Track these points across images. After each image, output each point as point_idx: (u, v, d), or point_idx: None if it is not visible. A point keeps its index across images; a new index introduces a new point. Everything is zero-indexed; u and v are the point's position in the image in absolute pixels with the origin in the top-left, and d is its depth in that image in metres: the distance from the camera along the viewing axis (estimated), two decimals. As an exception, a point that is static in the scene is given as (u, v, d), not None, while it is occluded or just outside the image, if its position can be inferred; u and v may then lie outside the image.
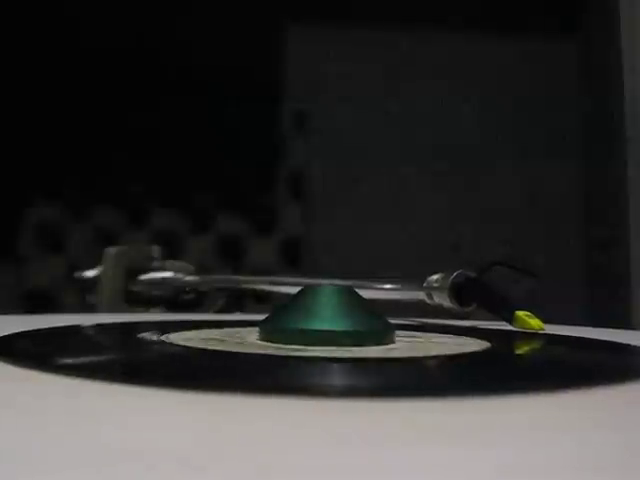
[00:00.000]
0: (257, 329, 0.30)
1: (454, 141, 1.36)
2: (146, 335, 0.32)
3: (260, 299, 0.57)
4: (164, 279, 0.57)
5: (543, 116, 1.39)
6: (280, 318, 0.30)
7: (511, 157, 1.37)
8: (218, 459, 0.14)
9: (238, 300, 0.58)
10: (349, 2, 1.35)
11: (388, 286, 0.45)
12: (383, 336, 0.30)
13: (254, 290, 0.57)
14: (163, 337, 0.30)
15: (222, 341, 0.30)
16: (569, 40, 1.40)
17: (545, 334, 0.36)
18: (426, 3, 1.34)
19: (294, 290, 0.31)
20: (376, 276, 0.45)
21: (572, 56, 1.41)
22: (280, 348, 0.28)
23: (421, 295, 0.42)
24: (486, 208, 1.35)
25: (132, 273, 0.58)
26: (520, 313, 0.37)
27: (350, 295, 0.31)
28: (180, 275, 0.57)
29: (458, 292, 0.41)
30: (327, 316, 0.29)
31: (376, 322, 0.30)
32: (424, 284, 0.42)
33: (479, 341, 0.31)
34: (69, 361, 0.28)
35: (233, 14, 1.30)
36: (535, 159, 1.38)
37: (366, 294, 0.32)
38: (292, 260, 1.32)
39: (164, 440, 0.16)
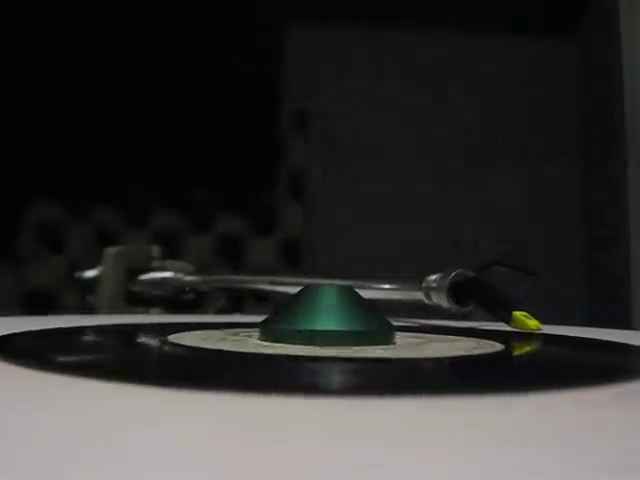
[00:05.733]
0: (257, 329, 0.30)
1: (454, 141, 1.36)
2: (146, 335, 0.32)
3: (260, 299, 0.57)
4: (164, 279, 0.58)
5: (543, 116, 1.39)
6: (280, 318, 0.30)
7: (511, 157, 1.37)
8: (218, 459, 0.14)
9: (238, 300, 0.58)
10: (349, 2, 1.35)
11: (387, 286, 0.45)
12: (383, 336, 0.30)
13: (254, 290, 0.57)
14: (163, 337, 0.30)
15: (222, 341, 0.30)
16: (569, 40, 1.40)
17: (543, 334, 0.36)
18: (426, 4, 1.34)
19: (294, 290, 0.31)
20: (375, 276, 0.45)
21: (572, 56, 1.41)
22: (280, 348, 0.28)
23: (420, 295, 0.42)
24: (486, 208, 1.35)
25: (132, 273, 0.58)
26: (518, 313, 0.37)
27: (350, 295, 0.31)
28: (180, 275, 0.57)
29: (456, 292, 0.41)
30: (327, 316, 0.29)
31: (376, 322, 0.30)
32: (423, 284, 0.42)
33: (477, 341, 0.31)
34: (68, 360, 0.28)
35: (233, 14, 1.30)
36: (535, 159, 1.38)
37: (365, 294, 0.32)
38: (292, 260, 1.32)
39: (164, 440, 0.16)
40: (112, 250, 0.59)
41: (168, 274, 0.58)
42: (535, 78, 1.39)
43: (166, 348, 0.29)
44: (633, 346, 0.32)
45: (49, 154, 1.23)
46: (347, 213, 1.33)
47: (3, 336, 0.31)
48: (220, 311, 0.57)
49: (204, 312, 0.57)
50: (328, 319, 0.29)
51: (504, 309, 0.37)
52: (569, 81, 1.40)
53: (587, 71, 1.39)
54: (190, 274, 0.58)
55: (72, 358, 0.29)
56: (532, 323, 0.36)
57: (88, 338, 0.37)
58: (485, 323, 0.40)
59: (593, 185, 1.38)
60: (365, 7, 1.33)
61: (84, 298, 0.59)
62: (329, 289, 0.30)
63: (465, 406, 0.20)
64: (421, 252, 1.24)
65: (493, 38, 1.36)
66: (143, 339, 0.32)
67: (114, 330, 0.39)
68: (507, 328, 0.37)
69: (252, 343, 0.29)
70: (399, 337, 0.31)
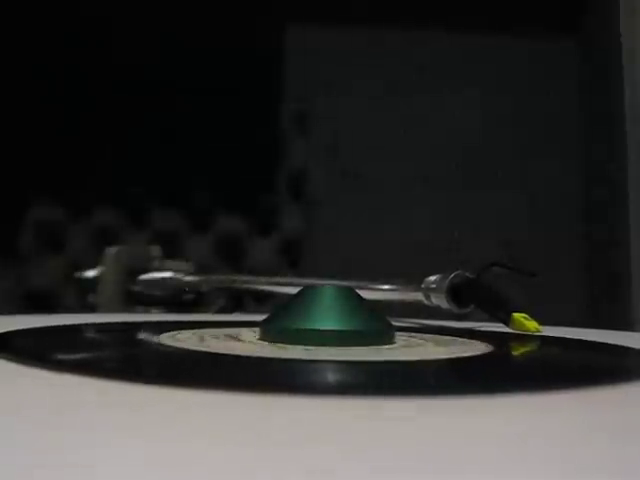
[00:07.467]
0: (257, 329, 0.31)
1: (454, 141, 1.36)
2: (146, 335, 0.32)
3: (260, 299, 0.57)
4: (164, 279, 0.58)
5: (543, 116, 1.39)
6: (280, 318, 0.30)
7: (510, 157, 1.37)
8: (217, 458, 0.14)
9: (238, 300, 0.58)
10: (349, 2, 1.35)
11: (386, 287, 0.45)
12: (383, 336, 0.30)
13: (254, 290, 0.57)
14: (162, 337, 0.30)
15: (222, 341, 0.30)
16: (569, 40, 1.40)
17: (542, 336, 0.36)
18: (425, 3, 1.34)
19: (294, 290, 0.31)
20: (375, 277, 0.45)
21: (572, 56, 1.40)
22: (280, 348, 0.28)
23: (419, 296, 0.43)
24: (485, 208, 1.35)
25: (132, 273, 0.58)
26: (517, 315, 0.37)
27: (350, 295, 0.31)
28: (180, 275, 0.57)
29: (455, 293, 0.41)
30: (327, 316, 0.29)
31: (376, 322, 0.30)
32: (422, 285, 0.42)
33: (476, 343, 0.31)
34: (68, 358, 0.28)
35: (233, 13, 1.30)
36: (534, 159, 1.37)
37: (364, 295, 0.32)
38: (292, 260, 1.32)
39: (163, 440, 0.16)
40: (112, 250, 0.59)
41: (168, 274, 0.58)
42: (535, 78, 1.38)
43: (165, 347, 0.29)
44: (631, 348, 0.32)
45: (49, 154, 1.23)
46: (347, 213, 1.33)
47: (2, 333, 0.31)
48: (220, 311, 0.57)
49: (204, 312, 0.57)
50: (328, 319, 0.29)
51: (503, 310, 0.37)
52: (569, 81, 1.40)
53: (587, 71, 1.39)
54: (190, 274, 0.58)
55: (71, 356, 0.29)
56: (531, 325, 0.36)
57: (87, 336, 0.37)
58: (484, 324, 0.40)
59: (593, 185, 1.38)
60: (365, 7, 1.33)
61: (84, 298, 0.59)
62: (329, 289, 0.30)
63: (465, 407, 0.20)
64: (421, 253, 1.24)
65: (492, 37, 1.36)
66: (141, 338, 0.32)
67: (113, 328, 0.39)
68: (506, 329, 0.37)
69: (252, 342, 0.29)
70: (399, 337, 0.31)
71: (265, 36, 1.32)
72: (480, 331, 0.38)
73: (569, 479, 0.14)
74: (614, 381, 0.23)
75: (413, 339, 0.32)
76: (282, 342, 0.29)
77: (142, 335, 0.32)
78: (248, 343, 0.29)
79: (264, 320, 0.30)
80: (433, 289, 0.42)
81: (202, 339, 0.30)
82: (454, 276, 0.41)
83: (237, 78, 1.28)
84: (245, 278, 0.59)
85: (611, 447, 0.16)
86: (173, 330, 0.32)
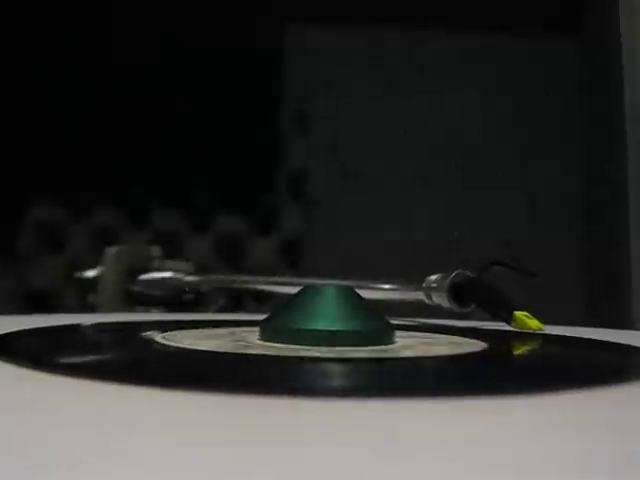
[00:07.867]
0: (257, 329, 0.30)
1: (454, 141, 1.36)
2: (146, 335, 0.32)
3: (260, 299, 0.57)
4: (164, 279, 0.57)
5: (543, 116, 1.39)
6: (280, 318, 0.30)
7: (510, 157, 1.37)
8: (217, 459, 0.14)
9: (238, 300, 0.58)
10: (349, 2, 1.35)
11: (387, 286, 0.45)
12: (383, 336, 0.30)
13: (254, 290, 0.57)
14: (163, 337, 0.30)
15: (222, 341, 0.30)
16: (569, 40, 1.40)
17: (544, 334, 0.36)
18: (426, 3, 1.34)
19: (294, 290, 0.31)
20: (375, 276, 0.45)
21: (572, 56, 1.40)
22: (280, 348, 0.28)
23: (420, 295, 0.42)
24: (485, 208, 1.35)
25: (132, 273, 0.58)
26: (519, 313, 0.37)
27: (350, 295, 0.31)
28: (180, 275, 0.57)
29: (457, 292, 0.41)
30: (327, 316, 0.29)
31: (376, 322, 0.30)
32: (423, 284, 0.42)
33: (478, 341, 0.31)
34: (68, 360, 0.28)
35: (233, 13, 1.30)
36: (535, 159, 1.37)
37: (365, 294, 0.32)
38: (292, 260, 1.32)
39: (163, 440, 0.16)
40: (112, 250, 0.59)
41: (168, 274, 0.58)
42: (535, 78, 1.38)
43: (164, 348, 0.29)
44: (632, 346, 0.32)
45: (49, 154, 1.23)
46: (347, 213, 1.33)
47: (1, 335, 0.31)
48: (220, 310, 0.57)
49: (204, 312, 0.57)
50: (328, 319, 0.29)
51: (505, 309, 0.37)
52: (569, 81, 1.40)
53: (587, 71, 1.39)
54: (190, 274, 0.58)
55: (69, 358, 0.29)
56: (533, 323, 0.36)
57: (86, 337, 0.37)
58: (486, 323, 0.40)
59: (593, 185, 1.38)
60: (365, 7, 1.33)
61: (84, 298, 0.59)
62: (329, 289, 0.30)
63: (464, 407, 0.19)
64: (421, 252, 1.24)
65: (493, 37, 1.36)
66: (141, 338, 0.32)
67: (111, 329, 0.39)
68: (508, 328, 0.37)
69: (251, 342, 0.29)
70: (399, 337, 0.31)
71: (265, 36, 1.32)
72: (482, 330, 0.38)
73: (570, 479, 0.14)
74: (618, 380, 0.23)
75: (413, 338, 0.32)
76: (282, 342, 0.29)
77: (141, 335, 0.32)
78: (248, 343, 0.29)
79: (264, 320, 0.30)
80: (434, 288, 0.42)
81: (202, 339, 0.30)
82: (455, 275, 0.41)
83: (237, 78, 1.28)
84: (245, 278, 0.59)
85: (612, 447, 0.16)
86: (173, 330, 0.32)
